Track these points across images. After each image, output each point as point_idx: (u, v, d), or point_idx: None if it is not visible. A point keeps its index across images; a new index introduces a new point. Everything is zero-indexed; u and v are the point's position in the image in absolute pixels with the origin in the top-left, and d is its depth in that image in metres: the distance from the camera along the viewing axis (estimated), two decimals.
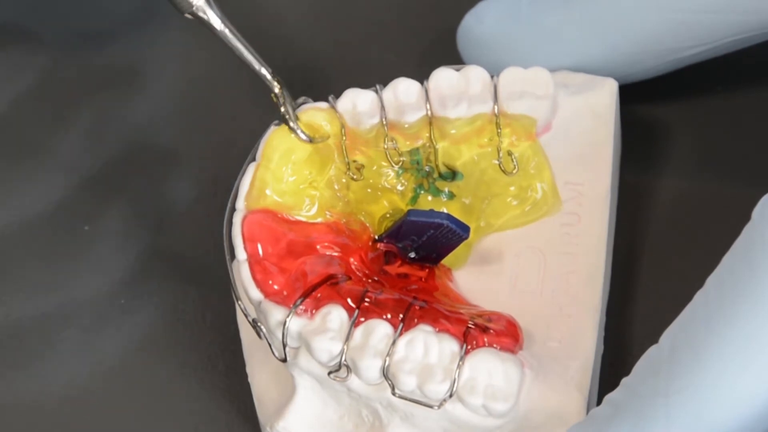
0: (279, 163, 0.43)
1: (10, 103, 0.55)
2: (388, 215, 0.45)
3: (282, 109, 0.43)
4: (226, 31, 0.43)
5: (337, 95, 0.45)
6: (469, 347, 0.40)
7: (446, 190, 0.45)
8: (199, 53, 0.54)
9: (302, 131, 0.44)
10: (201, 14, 0.42)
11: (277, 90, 0.43)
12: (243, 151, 0.45)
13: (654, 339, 0.36)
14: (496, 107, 0.44)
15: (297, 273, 0.42)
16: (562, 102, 0.46)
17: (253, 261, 0.42)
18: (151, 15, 0.55)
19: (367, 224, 0.45)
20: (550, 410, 0.40)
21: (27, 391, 0.48)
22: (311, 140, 0.44)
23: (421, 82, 0.45)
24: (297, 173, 0.44)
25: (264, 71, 0.43)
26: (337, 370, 0.40)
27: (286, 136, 0.44)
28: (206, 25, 0.43)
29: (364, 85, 0.45)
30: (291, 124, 0.43)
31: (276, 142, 0.44)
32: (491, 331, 0.40)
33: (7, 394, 0.48)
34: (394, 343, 0.40)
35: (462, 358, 0.39)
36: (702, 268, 0.37)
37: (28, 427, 0.47)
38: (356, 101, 0.45)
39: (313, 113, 0.44)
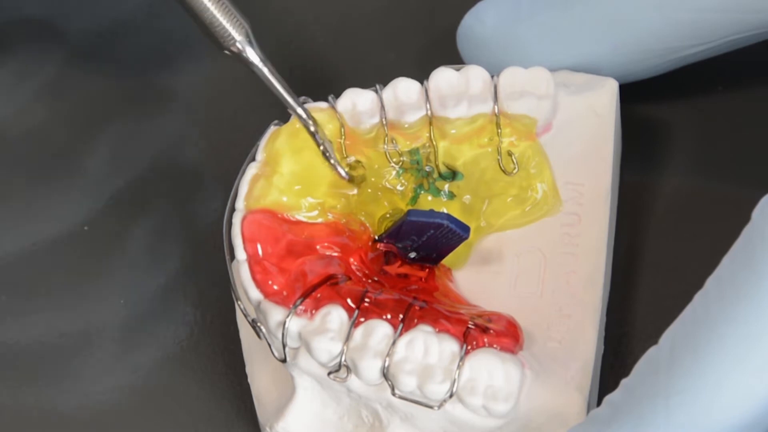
0: (287, 174, 0.44)
1: (35, 118, 0.55)
2: (388, 215, 0.45)
3: (321, 148, 0.44)
4: (265, 69, 0.43)
5: (337, 95, 0.45)
6: (469, 347, 0.40)
7: (446, 189, 0.45)
8: (226, 72, 0.54)
9: (343, 169, 0.44)
10: (241, 52, 0.43)
11: (312, 129, 0.43)
12: (245, 150, 0.45)
13: (654, 339, 0.36)
14: (496, 107, 0.44)
15: (297, 273, 0.42)
16: (562, 102, 0.46)
17: (253, 261, 0.42)
18: (179, 37, 0.55)
19: (367, 224, 0.45)
20: (551, 411, 0.40)
21: (30, 396, 0.48)
22: (351, 179, 0.44)
23: (421, 82, 0.45)
24: (301, 181, 0.44)
25: (300, 110, 0.43)
26: (336, 371, 0.40)
27: (287, 138, 0.44)
28: (245, 62, 0.43)
29: (364, 85, 0.45)
30: (332, 161, 0.44)
31: (278, 144, 0.44)
32: (491, 331, 0.40)
33: (11, 402, 0.48)
34: (394, 343, 0.40)
35: (462, 359, 0.39)
36: (702, 268, 0.37)
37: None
38: (356, 101, 0.45)
39: (313, 113, 0.44)
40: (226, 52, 0.43)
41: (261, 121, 0.45)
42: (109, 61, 0.56)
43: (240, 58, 0.43)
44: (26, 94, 0.55)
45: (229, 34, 0.42)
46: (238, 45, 0.43)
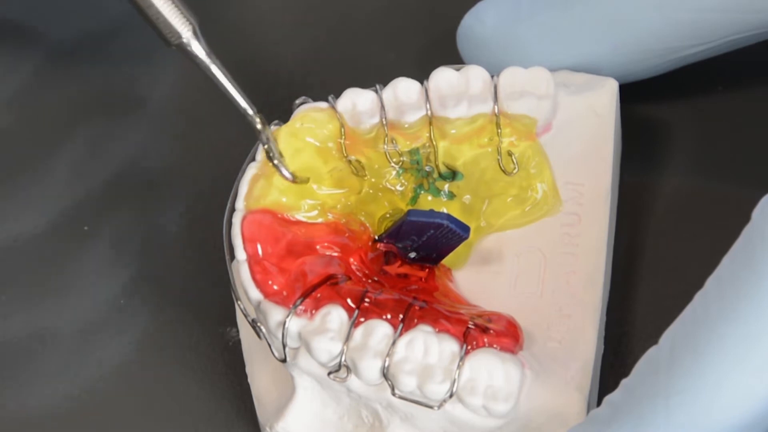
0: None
1: (6, 121, 0.55)
2: (388, 215, 0.45)
3: (265, 147, 0.43)
4: (211, 65, 0.43)
5: (337, 95, 0.45)
6: (469, 347, 0.40)
7: (446, 189, 0.45)
8: (203, 86, 0.54)
9: (286, 170, 0.43)
10: (187, 47, 0.42)
11: (259, 127, 0.43)
12: (245, 150, 0.45)
13: (654, 339, 0.36)
14: (496, 107, 0.44)
15: (297, 273, 0.42)
16: (562, 102, 0.46)
17: (253, 261, 0.42)
18: (150, 38, 0.55)
19: (367, 224, 0.45)
20: (551, 411, 0.40)
21: (30, 395, 0.48)
22: (294, 179, 0.44)
23: (421, 82, 0.45)
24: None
25: (248, 108, 0.43)
26: (336, 371, 0.40)
27: (287, 138, 0.44)
28: (191, 58, 0.43)
29: (364, 85, 0.45)
30: (275, 161, 0.43)
31: (279, 144, 0.44)
32: (491, 331, 0.40)
33: (11, 402, 0.48)
34: (393, 343, 0.40)
35: (462, 359, 0.39)
36: (702, 268, 0.37)
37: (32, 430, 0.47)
38: (356, 101, 0.45)
39: (313, 113, 0.44)
40: (173, 47, 0.43)
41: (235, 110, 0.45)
42: (84, 66, 0.56)
43: (186, 53, 0.43)
44: (2, 94, 0.55)
45: (174, 30, 0.42)
46: (183, 40, 0.42)
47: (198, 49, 0.42)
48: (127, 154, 0.53)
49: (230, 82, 0.43)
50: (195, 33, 0.42)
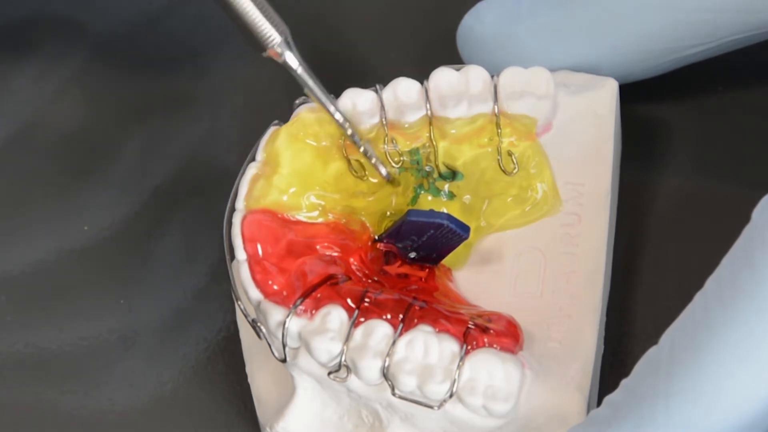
0: (287, 175, 0.44)
1: (64, 123, 0.54)
2: (388, 215, 0.45)
3: (361, 149, 0.44)
4: (304, 74, 0.43)
5: (337, 95, 0.45)
6: (469, 347, 0.40)
7: (446, 189, 0.45)
8: (258, 77, 0.54)
9: (385, 168, 0.44)
10: (280, 57, 0.43)
11: (350, 132, 0.43)
12: (244, 150, 0.45)
13: (654, 339, 0.36)
14: (496, 107, 0.44)
15: (297, 273, 0.42)
16: (562, 102, 0.46)
17: (253, 261, 0.42)
18: (209, 41, 0.55)
19: (367, 224, 0.45)
20: (551, 411, 0.40)
21: (46, 398, 0.48)
22: (390, 178, 0.44)
23: (421, 82, 0.45)
24: (301, 182, 0.44)
25: (338, 115, 0.44)
26: (336, 371, 0.40)
27: (287, 138, 0.44)
28: (283, 65, 0.43)
29: (364, 85, 0.45)
30: (373, 161, 0.44)
31: (278, 144, 0.44)
32: (491, 331, 0.40)
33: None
34: (393, 343, 0.40)
35: (462, 359, 0.39)
36: (702, 268, 0.37)
37: None
38: (356, 101, 0.45)
39: (313, 113, 0.44)
40: (264, 54, 0.43)
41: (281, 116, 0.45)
42: (131, 58, 0.56)
43: (278, 62, 0.43)
44: (50, 91, 0.55)
45: (270, 37, 0.43)
46: (277, 48, 0.43)
47: (291, 60, 0.43)
48: (152, 156, 0.53)
49: (322, 90, 0.43)
50: (287, 42, 0.43)
